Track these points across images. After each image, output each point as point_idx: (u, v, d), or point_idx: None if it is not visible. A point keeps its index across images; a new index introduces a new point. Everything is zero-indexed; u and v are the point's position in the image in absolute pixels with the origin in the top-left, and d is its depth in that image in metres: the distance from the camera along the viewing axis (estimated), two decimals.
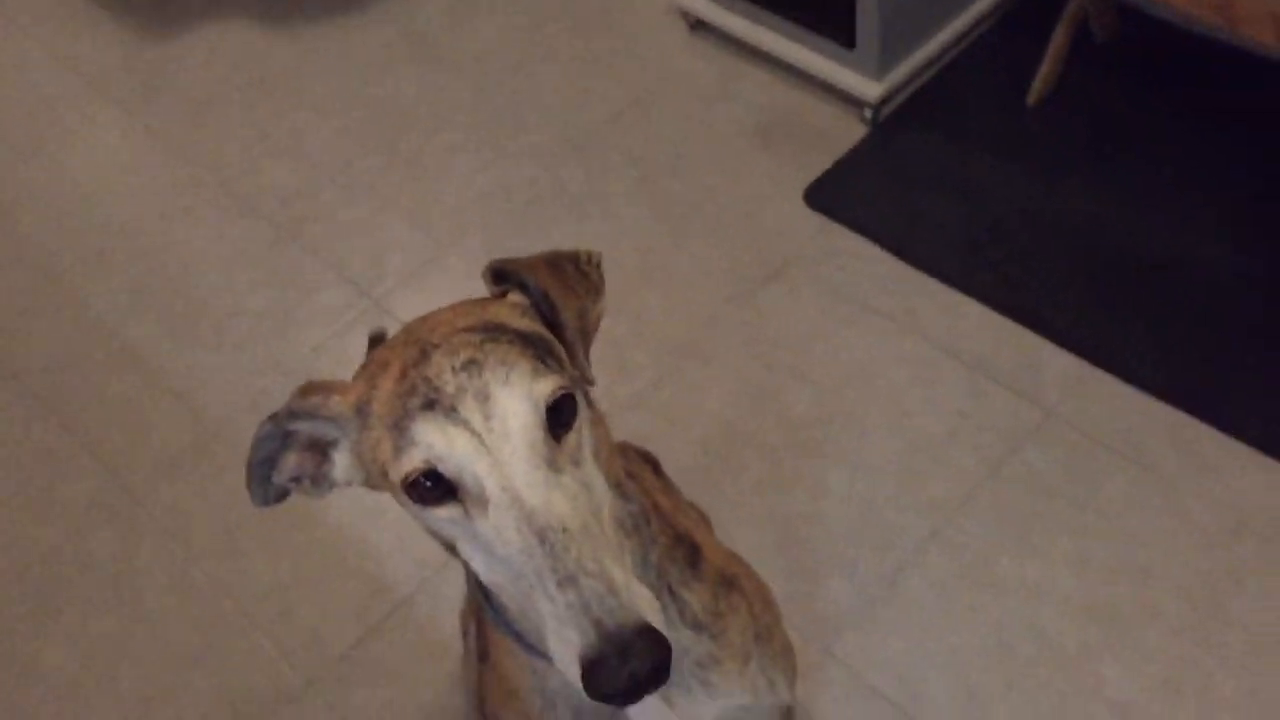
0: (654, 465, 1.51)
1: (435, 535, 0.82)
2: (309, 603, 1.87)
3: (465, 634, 1.61)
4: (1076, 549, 1.76)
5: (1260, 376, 1.88)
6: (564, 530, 0.74)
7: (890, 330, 2.06)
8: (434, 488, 0.77)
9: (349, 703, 1.76)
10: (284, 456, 0.86)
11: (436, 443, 0.75)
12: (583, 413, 0.81)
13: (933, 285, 2.09)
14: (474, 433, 0.75)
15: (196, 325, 2.30)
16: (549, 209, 2.37)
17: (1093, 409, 1.89)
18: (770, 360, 2.06)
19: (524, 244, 2.31)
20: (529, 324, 0.85)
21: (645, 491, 1.04)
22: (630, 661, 0.70)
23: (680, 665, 0.99)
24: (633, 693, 0.70)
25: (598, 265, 0.94)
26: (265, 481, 0.87)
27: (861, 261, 2.16)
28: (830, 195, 2.25)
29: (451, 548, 0.84)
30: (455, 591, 1.74)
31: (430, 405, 0.76)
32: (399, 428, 0.77)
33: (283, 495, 0.89)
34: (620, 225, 2.31)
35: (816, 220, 2.24)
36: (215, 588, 1.92)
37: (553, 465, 0.77)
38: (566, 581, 0.72)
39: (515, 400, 0.76)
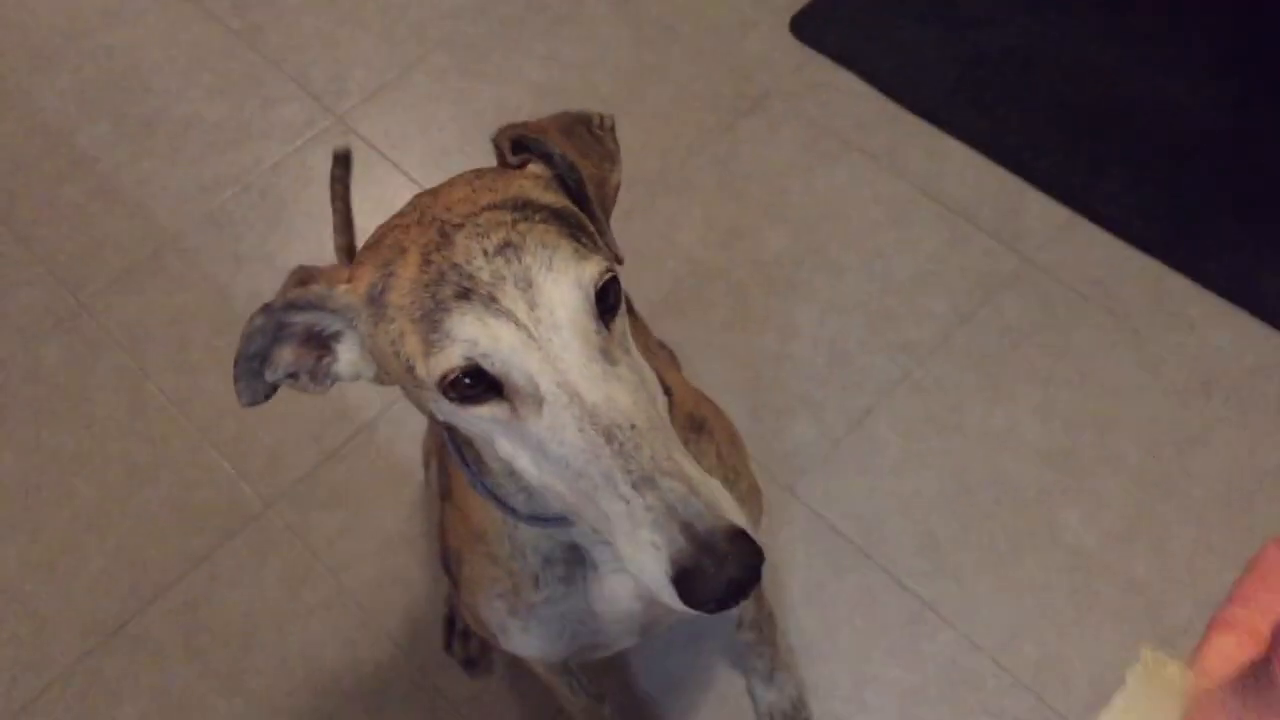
0: (627, 302, 1.47)
1: (470, 437, 0.77)
2: (267, 424, 1.84)
3: (426, 466, 1.60)
4: (1044, 397, 1.75)
5: (1237, 230, 1.85)
6: (632, 427, 0.68)
7: (870, 169, 2.00)
8: (474, 385, 0.70)
9: (306, 524, 1.75)
10: (277, 350, 0.78)
11: (479, 337, 0.69)
12: (624, 299, 0.75)
13: (917, 124, 2.03)
14: (520, 324, 0.69)
15: (150, 134, 2.21)
16: (524, 29, 2.27)
17: (1070, 257, 1.86)
18: (744, 195, 2.00)
19: (495, 66, 2.21)
20: (556, 198, 0.78)
21: None
22: (727, 568, 0.64)
23: None
24: (728, 601, 0.66)
25: (612, 130, 0.88)
26: (255, 377, 0.79)
27: (845, 96, 2.09)
28: (817, 25, 2.16)
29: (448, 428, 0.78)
30: (416, 420, 1.71)
31: (465, 295, 0.69)
32: (429, 321, 0.70)
33: (272, 391, 0.80)
34: (598, 49, 2.22)
35: (801, 51, 2.16)
36: (171, 404, 1.88)
37: (608, 356, 0.71)
38: (643, 483, 0.66)
39: (563, 288, 0.70)
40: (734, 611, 1.41)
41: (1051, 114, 2.00)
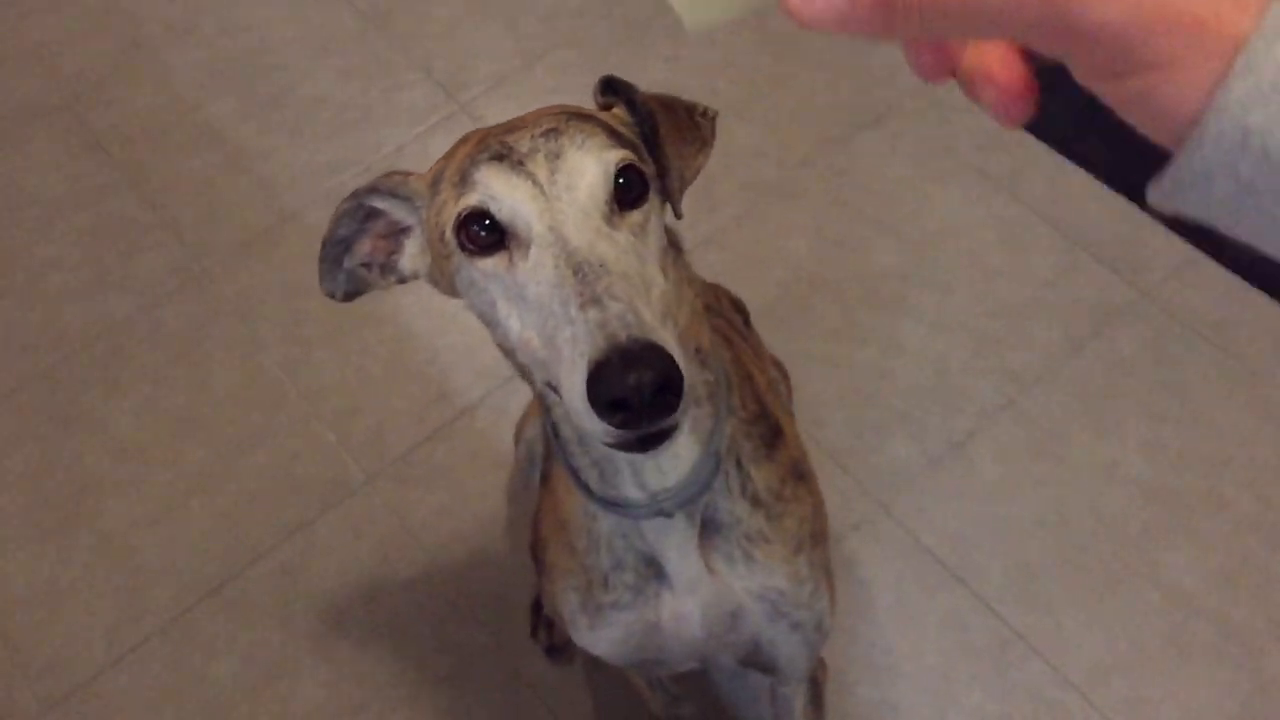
0: (745, 316, 1.48)
1: (482, 312, 0.80)
2: (372, 402, 1.89)
3: (518, 443, 1.62)
4: (1152, 433, 1.72)
5: None
6: (601, 265, 0.71)
7: (988, 190, 1.98)
8: (485, 235, 0.76)
9: (404, 501, 1.78)
10: (359, 241, 0.87)
11: (495, 186, 0.75)
12: (654, 206, 0.79)
13: (1040, 149, 2.01)
14: (537, 184, 0.75)
15: (277, 110, 2.27)
16: (649, 30, 2.28)
17: (1189, 294, 1.82)
18: (857, 207, 2.00)
19: (618, 63, 2.23)
20: (621, 129, 0.83)
21: (739, 361, 1.01)
22: (635, 369, 0.65)
23: (730, 534, 0.97)
24: (636, 407, 0.66)
25: (712, 120, 0.92)
26: (336, 264, 0.88)
27: (968, 116, 2.07)
28: None
29: (501, 340, 0.81)
30: (517, 406, 1.73)
31: (499, 157, 0.76)
32: (463, 179, 0.77)
33: (352, 294, 0.89)
34: (721, 53, 2.23)
35: None
36: (281, 375, 1.93)
37: (610, 223, 0.75)
38: (590, 303, 0.69)
39: (585, 159, 0.75)
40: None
41: None
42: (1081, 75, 0.37)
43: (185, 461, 1.86)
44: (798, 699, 1.31)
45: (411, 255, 0.86)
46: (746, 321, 1.47)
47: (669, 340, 0.69)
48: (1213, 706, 1.51)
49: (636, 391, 0.66)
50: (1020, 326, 1.83)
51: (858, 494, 1.71)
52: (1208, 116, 0.33)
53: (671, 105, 0.89)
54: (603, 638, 1.06)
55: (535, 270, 0.73)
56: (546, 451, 1.10)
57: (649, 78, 2.20)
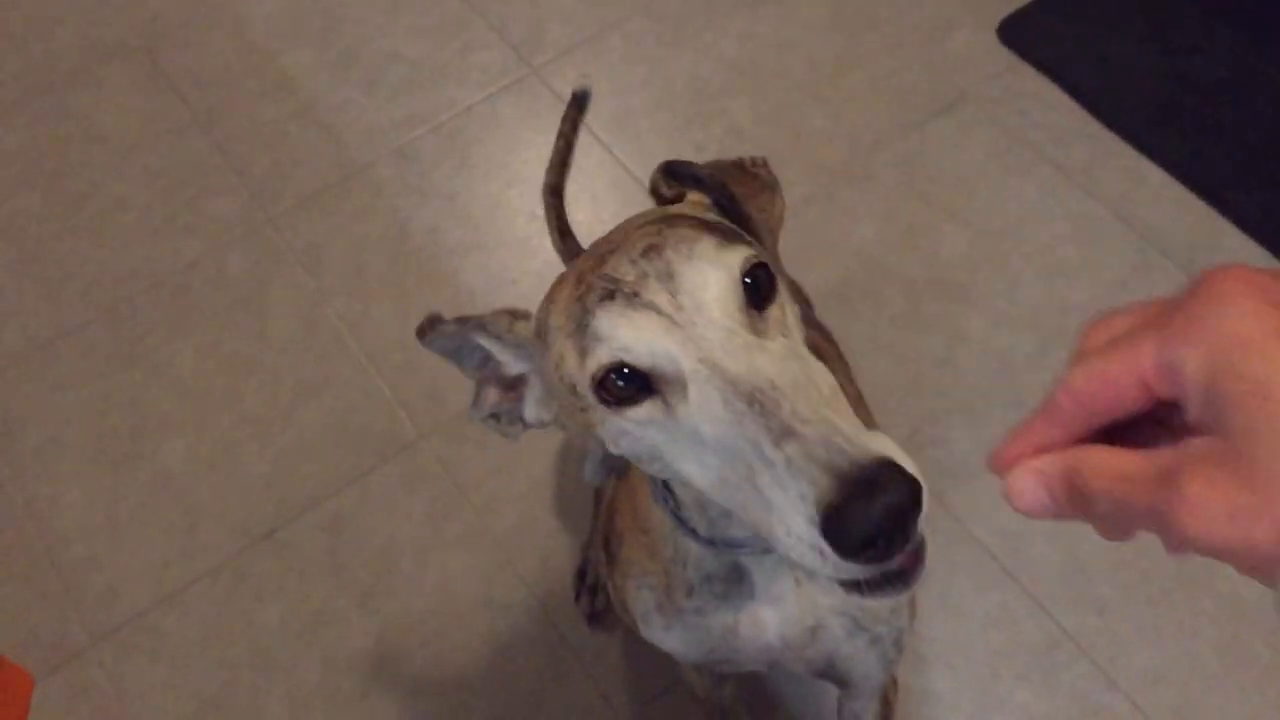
0: (808, 304, 1.45)
1: (643, 458, 0.73)
2: (431, 360, 1.87)
3: None
4: None
5: None
6: (773, 386, 0.63)
7: (1062, 184, 1.95)
8: (626, 386, 0.68)
9: (457, 460, 1.79)
10: (485, 391, 0.83)
11: (622, 333, 0.67)
12: (784, 293, 0.72)
13: (1117, 145, 1.97)
14: (661, 313, 0.67)
15: (351, 64, 2.27)
16: (724, 3, 2.26)
17: None
18: (929, 196, 1.97)
19: (691, 37, 2.22)
20: (709, 215, 0.78)
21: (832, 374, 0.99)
22: (878, 495, 0.56)
23: None
24: (888, 536, 0.57)
25: (765, 164, 0.87)
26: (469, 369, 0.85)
27: (1044, 108, 2.04)
28: (1026, 32, 2.12)
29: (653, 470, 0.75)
30: None
31: (609, 295, 0.68)
32: (580, 328, 0.69)
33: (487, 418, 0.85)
34: (796, 31, 2.20)
35: (1005, 56, 2.11)
36: (342, 327, 1.94)
37: (756, 332, 0.68)
38: (783, 436, 0.60)
39: (704, 272, 0.68)
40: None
41: (1260, 152, 1.92)
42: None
43: (244, 406, 1.87)
44: (866, 717, 1.28)
45: (534, 403, 0.81)
46: (809, 306, 1.45)
47: (886, 443, 0.60)
48: (1261, 714, 1.49)
49: (889, 522, 0.56)
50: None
51: None
52: None
53: (726, 170, 0.85)
54: (676, 637, 1.04)
55: (703, 411, 0.65)
56: None
57: (721, 52, 2.19)
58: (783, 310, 0.71)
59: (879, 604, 0.99)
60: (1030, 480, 0.50)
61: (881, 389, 1.77)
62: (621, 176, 2.06)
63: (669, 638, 1.04)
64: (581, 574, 1.65)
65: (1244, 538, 0.40)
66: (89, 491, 1.81)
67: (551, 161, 1.41)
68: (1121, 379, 0.46)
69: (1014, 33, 2.12)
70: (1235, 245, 1.85)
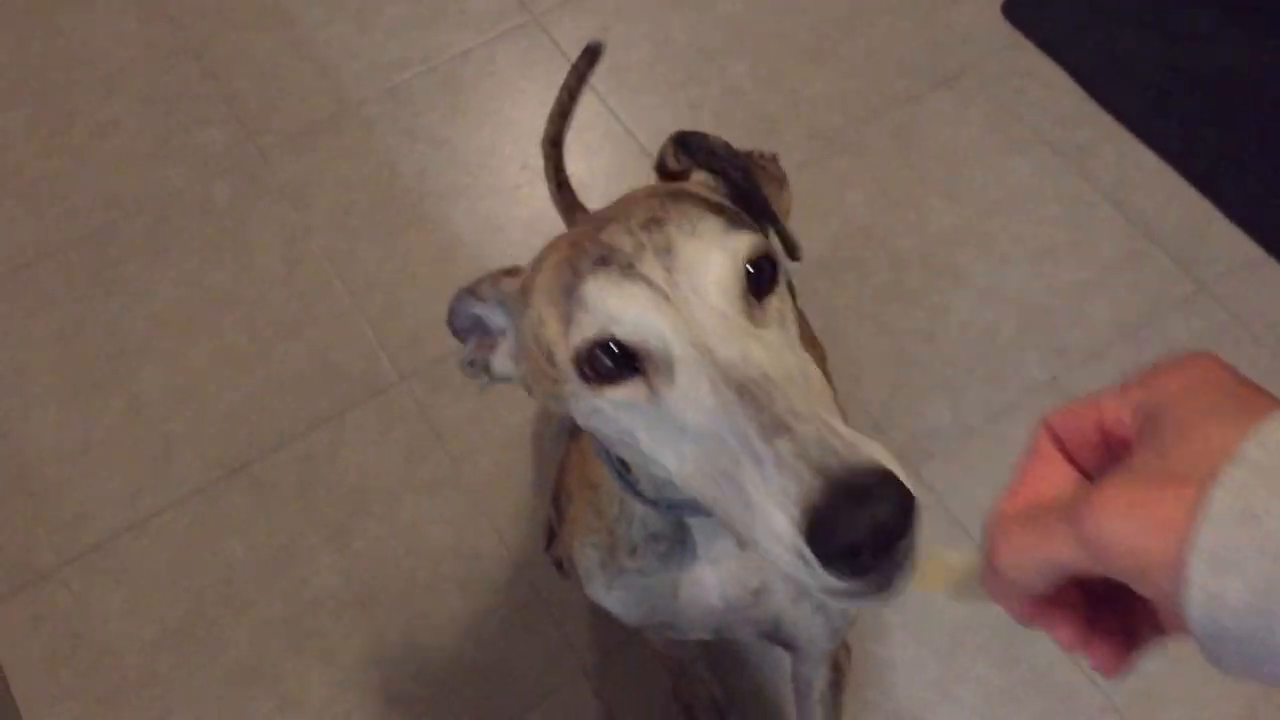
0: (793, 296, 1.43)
1: (612, 439, 0.70)
2: (414, 304, 1.88)
3: None
4: None
5: None
6: (766, 378, 0.60)
7: (1057, 165, 1.95)
8: (612, 363, 0.65)
9: (434, 405, 1.78)
10: (469, 339, 0.83)
11: (611, 302, 0.64)
12: (785, 288, 0.69)
13: (1115, 129, 1.97)
14: (655, 287, 0.64)
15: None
16: None
17: (1250, 294, 1.79)
18: (922, 169, 1.97)
19: None
20: (716, 197, 0.76)
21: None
22: (868, 505, 0.53)
23: None
24: (874, 548, 0.53)
25: (775, 159, 0.85)
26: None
27: (1044, 87, 2.03)
28: (1031, 10, 2.10)
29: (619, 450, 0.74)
30: None
31: (602, 262, 0.66)
32: (567, 293, 0.67)
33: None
34: None
35: (1008, 33, 2.10)
36: (326, 265, 1.92)
37: (752, 320, 0.65)
38: (775, 430, 0.57)
39: (705, 252, 0.65)
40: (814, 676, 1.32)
41: (1257, 144, 1.92)
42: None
43: (223, 338, 1.86)
44: (818, 681, 1.28)
45: (502, 359, 0.79)
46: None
47: (880, 450, 0.57)
48: (1219, 709, 1.51)
49: (877, 533, 0.53)
50: (1074, 306, 1.81)
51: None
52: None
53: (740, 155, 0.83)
54: (618, 598, 1.03)
55: (689, 398, 0.62)
56: None
57: (723, 10, 2.17)
58: (782, 302, 0.68)
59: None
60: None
61: (861, 358, 1.77)
62: (616, 130, 2.04)
63: (610, 598, 1.04)
64: (552, 524, 1.65)
65: (1137, 531, 0.44)
66: (62, 415, 1.80)
67: (552, 113, 1.40)
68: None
69: (1019, 10, 2.10)
70: (1224, 234, 1.85)
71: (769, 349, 0.63)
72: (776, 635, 1.07)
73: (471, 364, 0.82)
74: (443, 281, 1.89)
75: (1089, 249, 1.86)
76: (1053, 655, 1.54)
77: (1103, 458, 0.53)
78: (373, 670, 1.59)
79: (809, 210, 1.92)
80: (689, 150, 0.78)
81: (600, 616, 1.61)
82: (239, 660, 1.60)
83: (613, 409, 0.66)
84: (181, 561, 1.67)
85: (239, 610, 1.64)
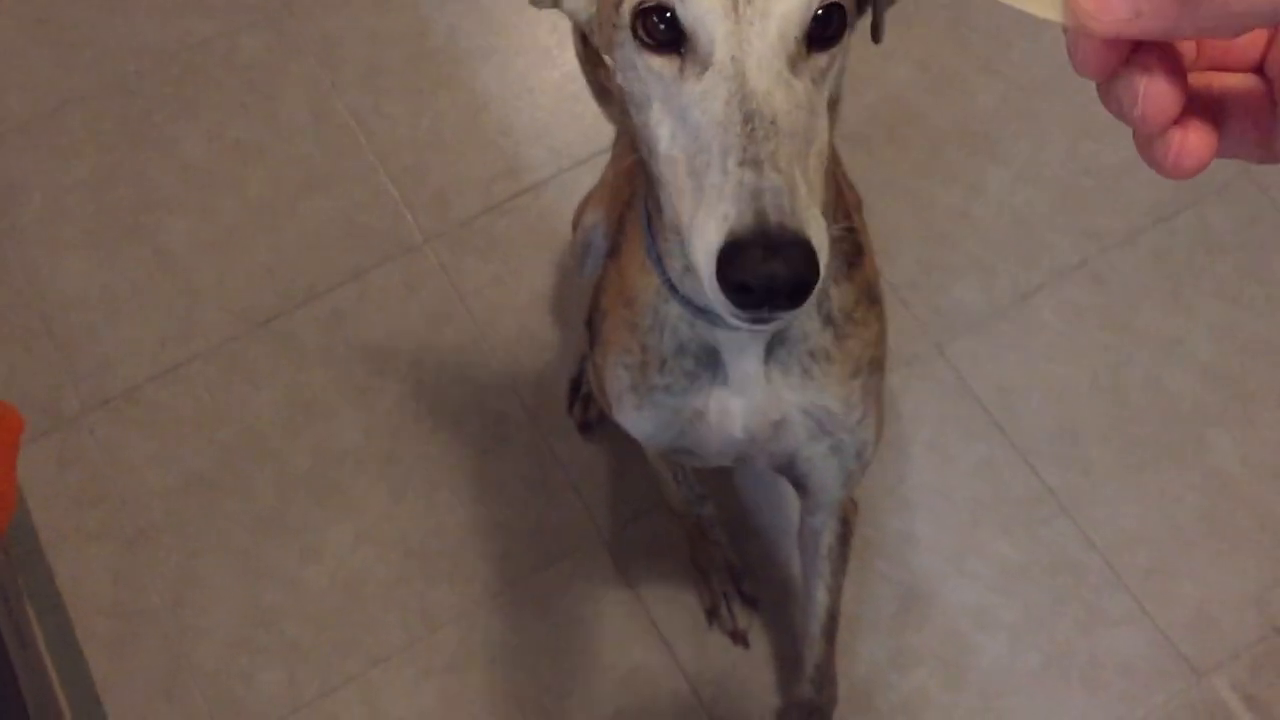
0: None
1: (633, 98, 0.75)
2: (440, 164, 1.86)
3: (575, 228, 1.58)
4: (1224, 316, 1.67)
5: None
6: (773, 122, 0.65)
7: None
8: (661, 32, 0.70)
9: (460, 266, 1.77)
10: None
11: None
12: (844, 49, 0.72)
13: None
14: None
15: None
16: None
17: None
18: (967, 44, 1.91)
19: None
20: None
21: (832, 173, 0.97)
22: (775, 261, 0.61)
23: (796, 348, 0.96)
24: (762, 297, 0.63)
25: None
26: None
27: None
28: None
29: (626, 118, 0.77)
30: (583, 190, 1.70)
31: None
32: None
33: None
34: None
35: None
36: (353, 122, 1.90)
37: (793, 67, 0.68)
38: (750, 163, 0.64)
39: None
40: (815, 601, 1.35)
41: None
42: None
43: (249, 192, 1.85)
44: (825, 534, 1.30)
45: None
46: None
47: (818, 231, 0.64)
48: (1232, 588, 1.51)
49: (768, 285, 0.62)
50: (1111, 189, 1.77)
51: (915, 331, 1.68)
52: None
53: None
54: (646, 418, 1.06)
55: (704, 99, 0.67)
56: (621, 226, 1.08)
57: None
58: (832, 62, 0.71)
59: (845, 414, 1.01)
60: None
61: (893, 234, 1.74)
62: None
63: (640, 419, 1.06)
64: (576, 384, 1.66)
65: None
66: (89, 263, 1.80)
67: None
68: None
69: None
70: None
71: (791, 98, 0.67)
72: (791, 471, 1.11)
73: None
74: (470, 143, 1.87)
75: (1129, 132, 1.81)
76: (1068, 536, 1.54)
77: None
78: (392, 525, 1.61)
79: (851, 81, 1.87)
80: None
81: (620, 486, 1.62)
82: (263, 510, 1.63)
83: (645, 71, 0.72)
84: (207, 412, 1.69)
85: (264, 461, 1.65)
